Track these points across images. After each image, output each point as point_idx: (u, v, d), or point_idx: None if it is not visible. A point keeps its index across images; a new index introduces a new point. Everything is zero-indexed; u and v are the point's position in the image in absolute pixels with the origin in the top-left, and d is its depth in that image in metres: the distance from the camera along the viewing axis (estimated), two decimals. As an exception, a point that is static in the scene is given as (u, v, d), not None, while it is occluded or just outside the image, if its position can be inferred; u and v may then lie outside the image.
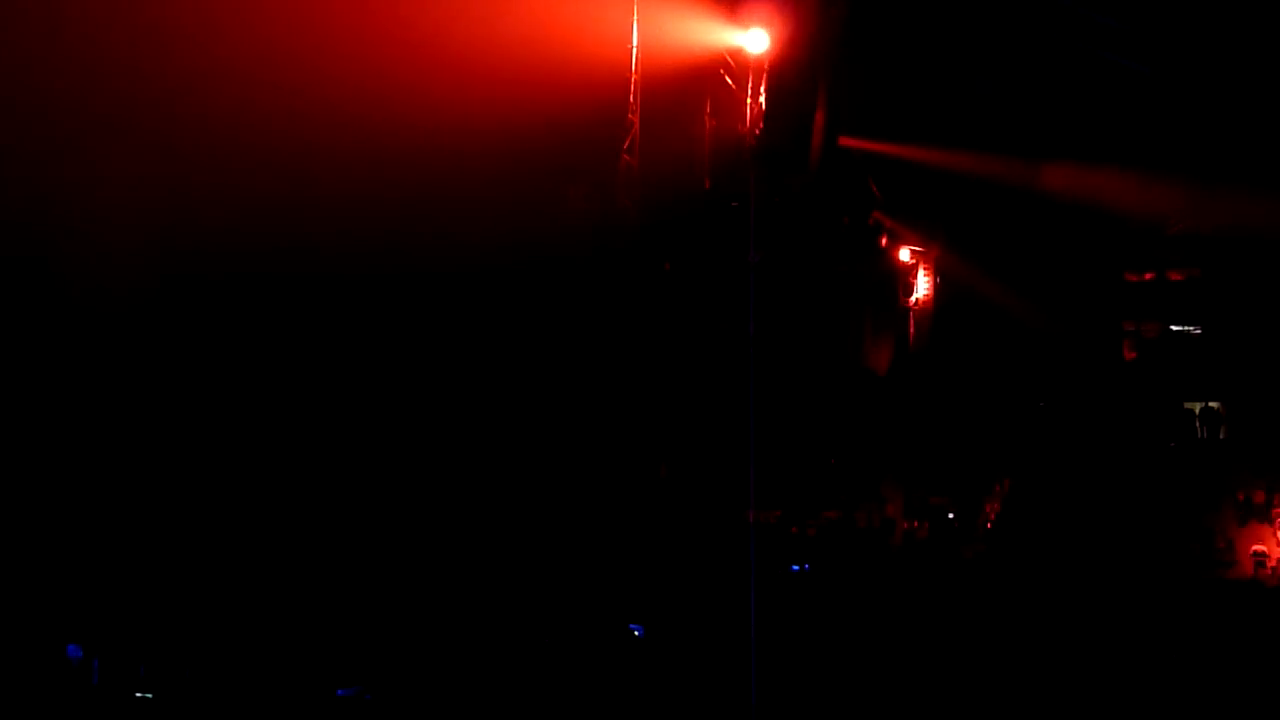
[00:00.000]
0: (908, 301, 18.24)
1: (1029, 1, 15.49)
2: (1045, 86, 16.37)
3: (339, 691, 8.34)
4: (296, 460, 9.30)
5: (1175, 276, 17.41)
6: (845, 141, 16.30)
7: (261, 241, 9.71)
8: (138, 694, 7.80)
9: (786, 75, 14.40)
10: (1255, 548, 13.73)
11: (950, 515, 15.84)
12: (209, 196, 10.36)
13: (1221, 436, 16.92)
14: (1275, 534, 13.99)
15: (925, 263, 18.25)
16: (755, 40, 13.94)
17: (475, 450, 10.34)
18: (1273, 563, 13.45)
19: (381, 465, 9.66)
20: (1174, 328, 17.35)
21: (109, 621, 7.99)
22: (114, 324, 9.61)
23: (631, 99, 12.67)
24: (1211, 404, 16.88)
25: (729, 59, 13.99)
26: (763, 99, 14.16)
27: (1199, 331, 17.11)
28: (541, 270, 11.49)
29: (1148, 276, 17.54)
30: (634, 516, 11.66)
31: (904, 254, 17.82)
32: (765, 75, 14.12)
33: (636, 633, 10.12)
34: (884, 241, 17.53)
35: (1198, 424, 16.94)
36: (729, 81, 13.99)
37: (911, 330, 18.12)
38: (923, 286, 18.28)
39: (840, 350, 16.69)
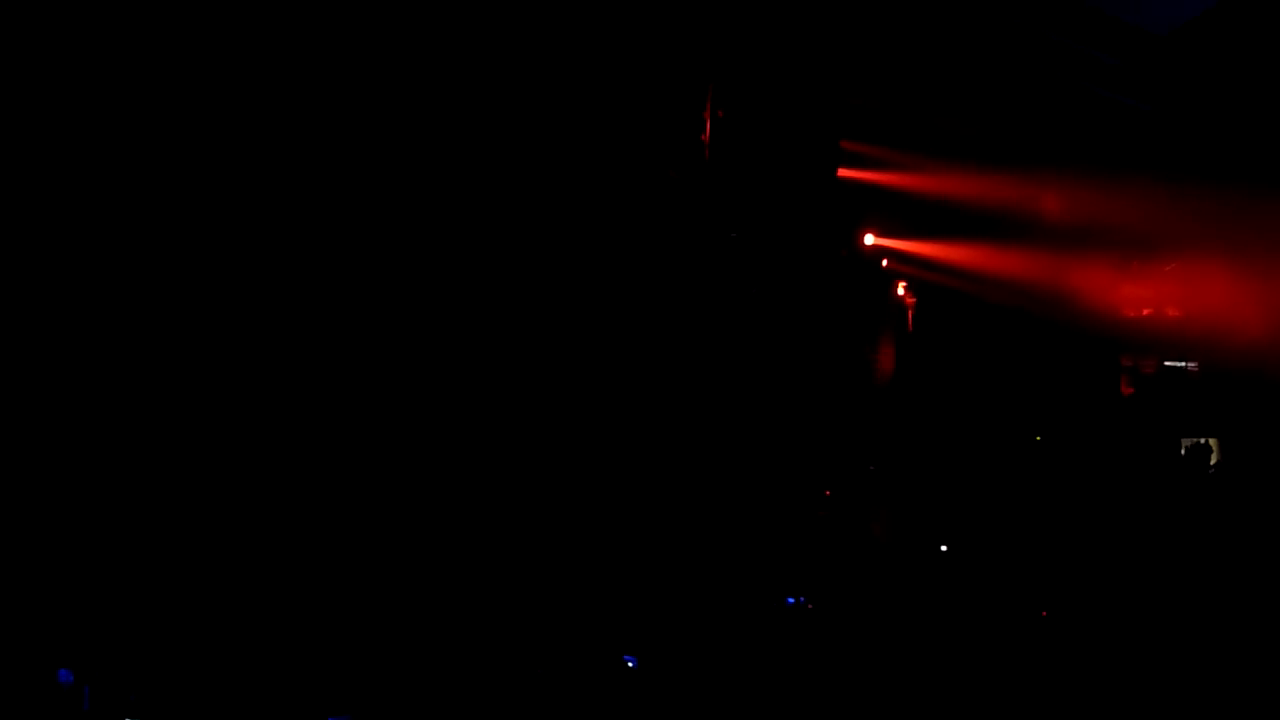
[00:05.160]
0: (900, 330, 18.28)
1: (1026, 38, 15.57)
2: (1043, 122, 16.48)
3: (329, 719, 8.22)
4: (289, 483, 9.19)
5: (1173, 312, 17.49)
6: (844, 173, 16.36)
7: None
8: (128, 720, 7.68)
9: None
10: None
11: (943, 548, 15.79)
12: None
13: (1212, 471, 16.97)
14: None
15: (920, 293, 18.28)
16: None
17: (466, 470, 10.25)
18: None
19: (369, 483, 9.56)
20: (1170, 363, 17.42)
21: (100, 647, 7.87)
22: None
23: None
24: (1207, 440, 16.93)
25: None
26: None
27: (1195, 367, 17.20)
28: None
29: (1145, 312, 17.61)
30: (633, 543, 11.58)
31: (900, 286, 17.88)
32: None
33: (630, 664, 10.01)
34: (881, 267, 17.55)
35: (1194, 459, 16.98)
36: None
37: (903, 360, 18.14)
38: (915, 317, 18.31)
39: (841, 379, 16.67)
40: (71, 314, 8.45)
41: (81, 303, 8.55)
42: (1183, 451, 17.15)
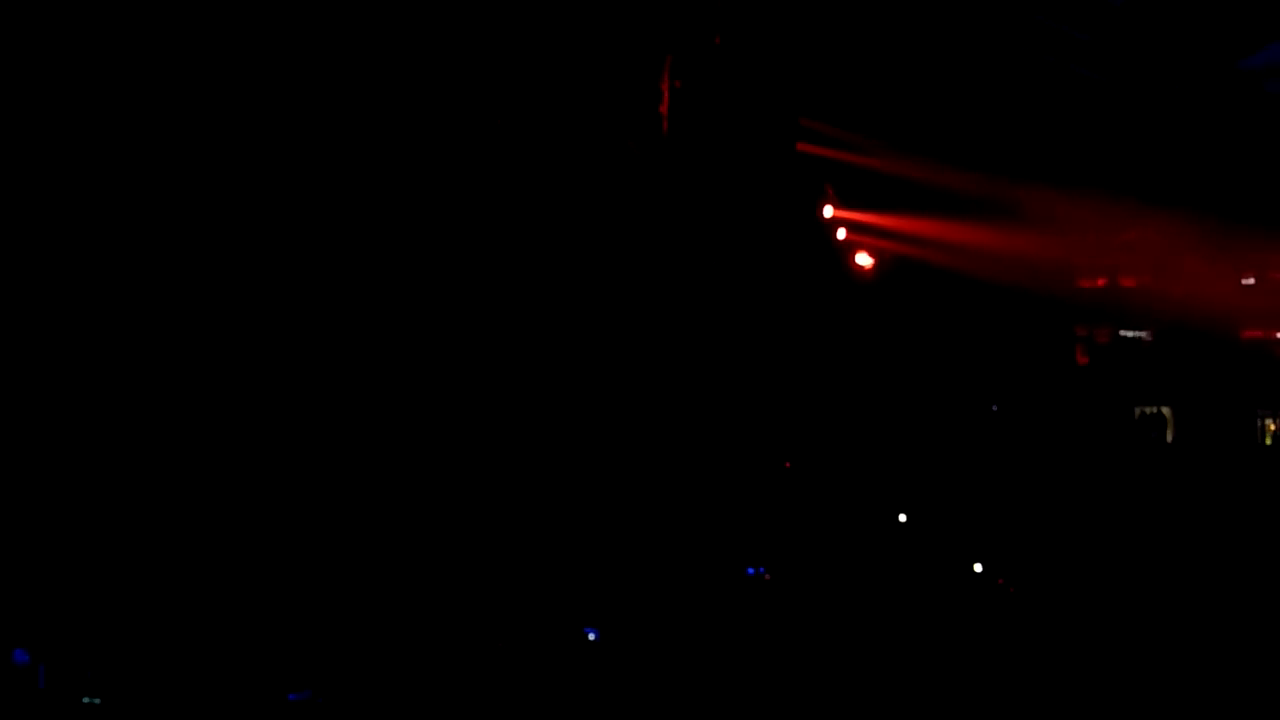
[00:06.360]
0: (859, 301, 18.34)
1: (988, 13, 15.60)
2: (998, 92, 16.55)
3: (290, 696, 8.19)
4: (239, 460, 9.12)
5: (1127, 283, 17.66)
6: (803, 147, 16.35)
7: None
8: (85, 699, 7.61)
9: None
10: None
11: (901, 518, 15.88)
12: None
13: (1168, 440, 17.23)
14: None
15: (879, 264, 18.34)
16: None
17: (425, 446, 10.20)
18: None
19: (320, 457, 9.49)
20: (1125, 333, 17.61)
21: (56, 626, 7.80)
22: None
23: None
24: (1161, 409, 17.17)
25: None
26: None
27: (1150, 337, 17.40)
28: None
29: (1100, 282, 17.77)
30: (592, 516, 11.60)
31: (861, 258, 17.92)
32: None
33: (591, 636, 10.04)
34: (838, 237, 17.56)
35: (1146, 428, 17.23)
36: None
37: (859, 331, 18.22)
38: (873, 288, 18.38)
39: (800, 350, 16.72)
40: (34, 301, 8.35)
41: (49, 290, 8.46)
42: (1136, 419, 17.38)
